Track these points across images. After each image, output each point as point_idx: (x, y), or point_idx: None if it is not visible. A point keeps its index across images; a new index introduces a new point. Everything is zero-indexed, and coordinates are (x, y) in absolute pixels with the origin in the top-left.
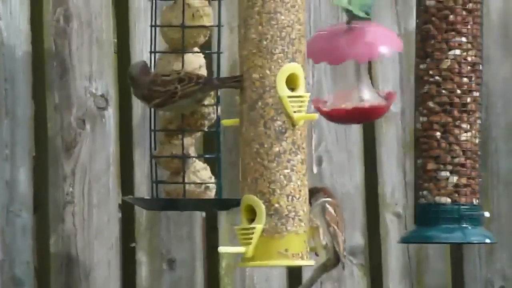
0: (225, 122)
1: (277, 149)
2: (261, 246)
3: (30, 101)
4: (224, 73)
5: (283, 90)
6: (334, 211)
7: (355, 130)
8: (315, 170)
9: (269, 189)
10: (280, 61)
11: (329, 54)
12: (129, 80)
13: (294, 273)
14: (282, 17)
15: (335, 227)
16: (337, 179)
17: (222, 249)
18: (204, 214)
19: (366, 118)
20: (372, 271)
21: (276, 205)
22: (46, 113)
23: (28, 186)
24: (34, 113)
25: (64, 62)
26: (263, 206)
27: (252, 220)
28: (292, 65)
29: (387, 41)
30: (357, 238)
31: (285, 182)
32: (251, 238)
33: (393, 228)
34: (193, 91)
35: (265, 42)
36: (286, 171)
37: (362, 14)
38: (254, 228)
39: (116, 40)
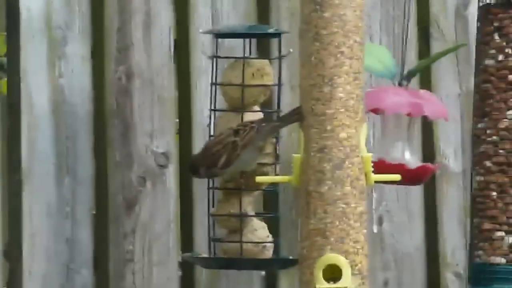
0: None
1: (360, 208)
2: None
3: (91, 159)
4: (284, 131)
5: (365, 150)
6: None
7: (416, 190)
8: (375, 229)
9: (354, 248)
10: (362, 121)
11: (380, 104)
12: (191, 170)
13: None
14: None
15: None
16: (398, 239)
17: None
18: (263, 272)
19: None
20: None
21: (359, 265)
22: (107, 171)
23: (88, 244)
24: (95, 171)
25: (125, 120)
26: (349, 266)
27: (331, 279)
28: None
29: (434, 106)
30: None
31: (364, 241)
32: None
33: None
34: (252, 137)
35: (352, 102)
36: (364, 230)
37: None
38: (345, 287)
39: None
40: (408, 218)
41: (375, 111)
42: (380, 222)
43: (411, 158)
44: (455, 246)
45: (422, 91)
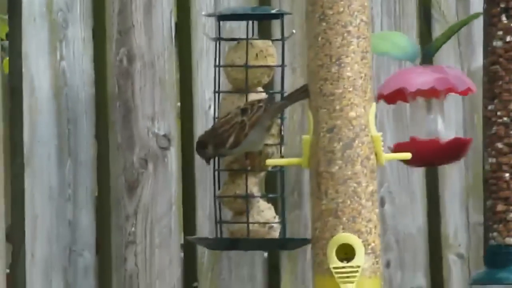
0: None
1: (371, 188)
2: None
3: (93, 141)
4: (287, 112)
5: (375, 130)
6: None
7: (418, 171)
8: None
9: (366, 228)
10: (370, 100)
11: (404, 84)
12: (198, 149)
13: None
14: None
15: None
16: (400, 220)
17: None
18: (266, 254)
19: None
20: None
21: (373, 244)
22: (109, 153)
23: (90, 226)
24: (96, 154)
25: (127, 103)
26: (363, 245)
27: (345, 259)
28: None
29: (459, 79)
30: (420, 279)
31: (377, 220)
32: (353, 277)
33: (455, 269)
34: (259, 117)
35: (360, 81)
36: (377, 210)
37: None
38: (358, 266)
39: None
40: (410, 199)
41: (401, 94)
42: (382, 203)
43: (442, 128)
44: (457, 227)
45: (445, 67)
